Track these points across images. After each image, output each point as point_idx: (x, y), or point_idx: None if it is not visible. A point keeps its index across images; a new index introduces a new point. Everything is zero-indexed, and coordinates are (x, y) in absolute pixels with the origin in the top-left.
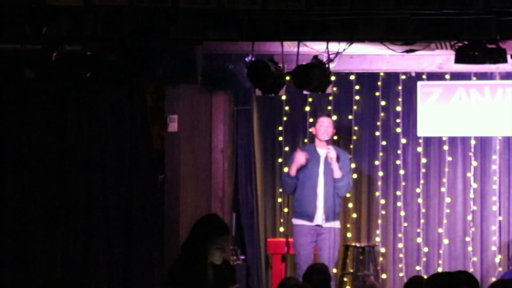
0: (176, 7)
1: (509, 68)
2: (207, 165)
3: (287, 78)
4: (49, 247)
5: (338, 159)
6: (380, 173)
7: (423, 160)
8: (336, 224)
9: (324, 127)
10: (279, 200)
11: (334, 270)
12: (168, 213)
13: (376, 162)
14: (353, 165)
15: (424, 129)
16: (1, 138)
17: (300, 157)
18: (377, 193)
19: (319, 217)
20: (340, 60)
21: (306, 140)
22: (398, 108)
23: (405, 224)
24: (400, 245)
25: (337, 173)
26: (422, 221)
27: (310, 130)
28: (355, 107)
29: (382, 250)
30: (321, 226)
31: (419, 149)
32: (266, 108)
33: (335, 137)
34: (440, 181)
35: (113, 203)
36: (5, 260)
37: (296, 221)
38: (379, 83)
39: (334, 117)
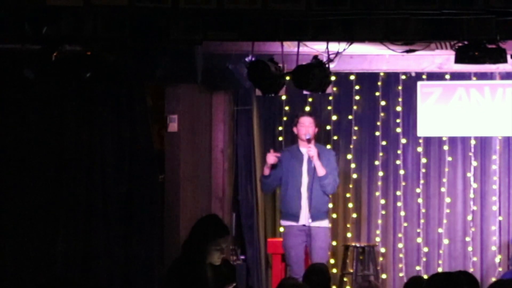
0: (176, 7)
1: (509, 68)
2: (207, 165)
3: (287, 78)
4: (49, 247)
5: (319, 156)
6: (380, 173)
7: (423, 160)
8: (325, 223)
9: (305, 127)
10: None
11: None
12: (168, 213)
13: (376, 162)
14: (353, 165)
15: (424, 129)
16: (1, 138)
17: (270, 158)
18: (377, 193)
19: (305, 217)
20: (340, 60)
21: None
22: (398, 108)
23: (405, 224)
24: (400, 245)
25: (321, 171)
26: (422, 221)
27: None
28: (355, 107)
29: (382, 250)
30: (307, 226)
31: (419, 149)
32: (266, 108)
33: (335, 137)
34: (440, 181)
35: (113, 203)
36: (5, 260)
37: (283, 223)
38: (379, 83)
39: (334, 117)
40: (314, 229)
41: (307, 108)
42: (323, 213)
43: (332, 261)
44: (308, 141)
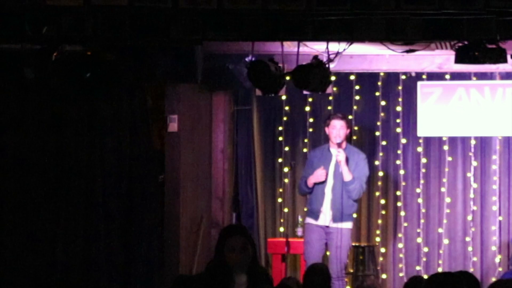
0: (176, 7)
1: (509, 68)
2: (207, 165)
3: (287, 78)
4: (49, 247)
5: (348, 160)
6: (380, 173)
7: (423, 160)
8: (345, 225)
9: (337, 129)
10: (279, 200)
11: (350, 271)
12: (168, 213)
13: (376, 162)
14: None
15: (424, 129)
16: (1, 138)
17: (322, 176)
18: (377, 193)
19: (325, 217)
20: (340, 60)
21: (306, 140)
22: (398, 108)
23: (405, 224)
24: (400, 245)
25: (347, 176)
26: (422, 221)
27: (315, 129)
28: (355, 107)
29: (382, 250)
30: (327, 227)
31: (419, 149)
32: (266, 108)
33: None
34: (440, 181)
35: (113, 203)
36: (6, 260)
37: (306, 219)
38: (379, 83)
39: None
40: (333, 229)
41: (307, 108)
42: (346, 215)
43: None
44: (339, 145)
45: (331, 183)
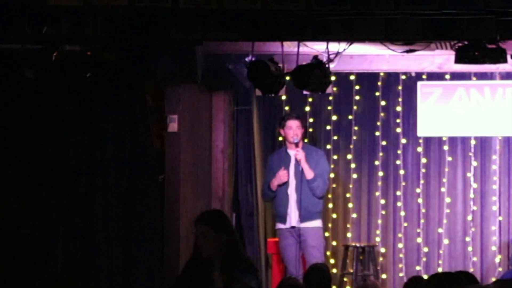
0: (176, 7)
1: (509, 68)
2: (207, 165)
3: (287, 78)
4: (49, 247)
5: (308, 159)
6: (380, 173)
7: (423, 160)
8: (315, 223)
9: (293, 130)
10: None
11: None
12: (168, 213)
13: (376, 162)
14: (353, 165)
15: (424, 129)
16: (1, 138)
17: (283, 176)
18: (377, 193)
19: (292, 219)
20: (340, 60)
21: (306, 140)
22: (398, 108)
23: (405, 224)
24: (400, 245)
25: (308, 174)
26: (422, 221)
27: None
28: (355, 107)
29: (382, 250)
30: (294, 228)
31: (419, 149)
32: (266, 108)
33: (335, 137)
34: (440, 181)
35: (113, 203)
36: (5, 260)
37: (276, 225)
38: (379, 83)
39: (334, 117)
40: (304, 229)
41: (307, 108)
42: (313, 213)
43: (332, 261)
44: (296, 144)
45: (293, 183)
